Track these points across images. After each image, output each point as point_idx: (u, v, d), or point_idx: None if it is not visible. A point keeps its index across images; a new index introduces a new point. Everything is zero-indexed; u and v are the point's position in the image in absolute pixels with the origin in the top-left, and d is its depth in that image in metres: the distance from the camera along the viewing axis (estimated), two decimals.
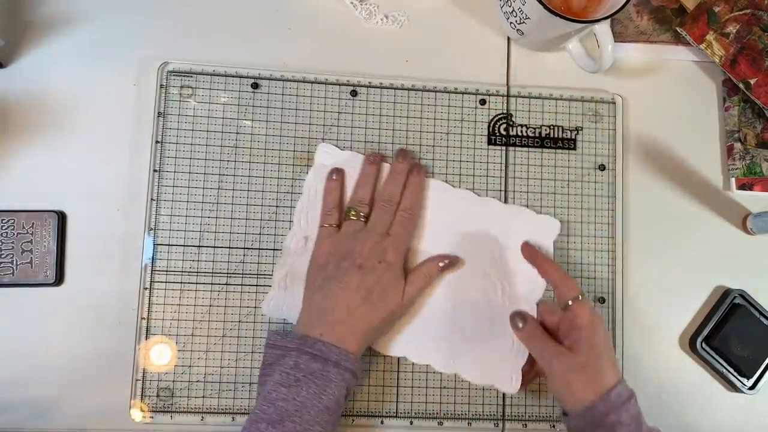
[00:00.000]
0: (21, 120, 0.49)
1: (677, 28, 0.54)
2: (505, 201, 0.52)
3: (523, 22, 0.49)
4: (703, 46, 0.53)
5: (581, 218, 0.52)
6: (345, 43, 0.53)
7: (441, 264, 0.48)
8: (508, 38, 0.54)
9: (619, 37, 0.55)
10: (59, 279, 0.48)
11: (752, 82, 0.52)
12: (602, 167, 0.53)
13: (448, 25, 0.54)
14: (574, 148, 0.53)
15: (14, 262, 0.48)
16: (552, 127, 0.53)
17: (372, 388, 0.49)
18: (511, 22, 0.51)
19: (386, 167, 0.50)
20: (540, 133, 0.53)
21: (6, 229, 0.48)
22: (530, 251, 0.49)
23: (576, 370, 0.42)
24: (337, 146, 0.51)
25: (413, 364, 0.49)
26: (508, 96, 0.53)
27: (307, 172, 0.50)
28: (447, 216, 0.50)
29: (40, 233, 0.48)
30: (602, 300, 0.51)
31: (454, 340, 0.49)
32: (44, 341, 0.48)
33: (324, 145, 0.50)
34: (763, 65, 0.52)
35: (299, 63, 0.52)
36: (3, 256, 0.48)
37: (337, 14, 0.53)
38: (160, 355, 0.48)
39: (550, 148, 0.53)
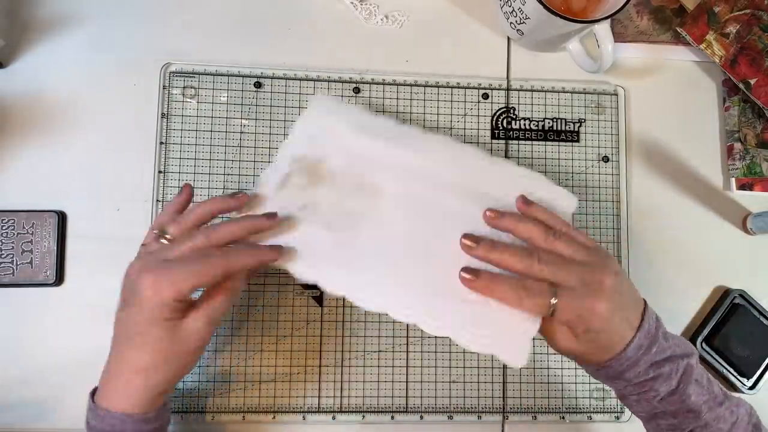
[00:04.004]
0: (21, 120, 0.49)
1: (677, 28, 0.54)
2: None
3: (523, 22, 0.49)
4: (703, 46, 0.53)
5: (586, 210, 0.52)
6: (345, 43, 0.53)
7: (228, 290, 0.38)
8: (508, 38, 0.54)
9: (619, 37, 0.55)
10: (59, 279, 0.48)
11: (752, 82, 0.52)
12: (606, 159, 0.53)
13: (448, 25, 0.54)
14: (578, 141, 0.53)
15: (14, 262, 0.48)
16: (555, 119, 0.53)
17: (382, 384, 0.49)
18: (511, 22, 0.51)
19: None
20: (543, 126, 0.53)
21: (6, 229, 0.48)
22: (527, 204, 0.41)
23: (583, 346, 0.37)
24: (327, 96, 0.47)
25: (422, 359, 0.49)
26: (509, 89, 0.53)
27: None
28: (456, 170, 0.44)
29: (40, 233, 0.48)
30: None
31: (445, 292, 0.40)
32: (44, 341, 0.48)
33: (317, 98, 0.47)
34: (763, 65, 0.52)
35: (299, 63, 0.52)
36: (3, 256, 0.48)
37: (337, 14, 0.53)
38: None
39: (553, 140, 0.53)
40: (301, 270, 0.40)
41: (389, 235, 0.42)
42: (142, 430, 0.36)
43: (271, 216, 0.40)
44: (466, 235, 0.39)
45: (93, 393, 0.38)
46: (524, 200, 0.41)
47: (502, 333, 0.39)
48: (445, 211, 0.43)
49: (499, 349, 0.39)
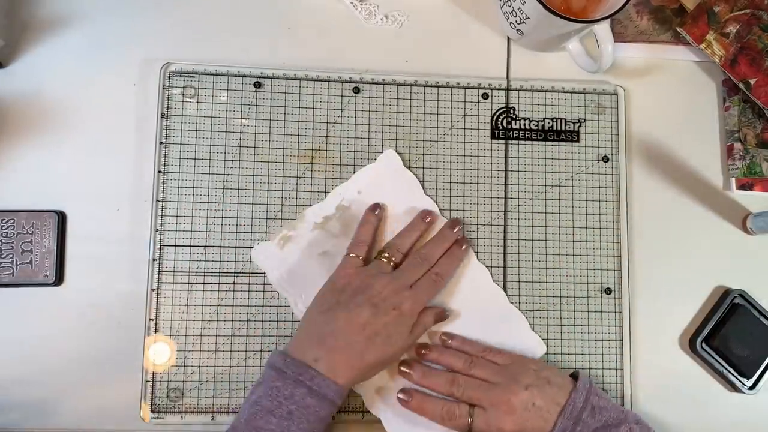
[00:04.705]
0: (21, 120, 0.49)
1: (677, 28, 0.54)
2: (506, 195, 0.52)
3: (523, 22, 0.49)
4: (703, 46, 0.53)
5: (586, 210, 0.52)
6: (345, 43, 0.53)
7: (435, 316, 0.48)
8: (508, 38, 0.54)
9: (619, 37, 0.55)
10: (59, 279, 0.48)
11: (752, 82, 0.52)
12: (606, 159, 0.53)
13: (448, 25, 0.54)
14: (578, 141, 0.53)
15: (14, 262, 0.48)
16: (555, 119, 0.53)
17: None
18: (511, 22, 0.51)
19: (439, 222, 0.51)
20: (543, 126, 0.53)
21: (6, 229, 0.48)
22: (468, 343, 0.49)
23: None
24: (398, 155, 0.51)
25: None
26: (509, 89, 0.53)
27: (311, 170, 0.50)
28: (461, 284, 0.50)
29: (40, 233, 0.48)
30: (609, 291, 0.51)
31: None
32: (44, 341, 0.48)
33: (391, 152, 0.51)
34: (763, 65, 0.52)
35: (299, 63, 0.52)
36: (3, 256, 0.48)
37: (336, 14, 0.53)
38: (168, 356, 0.48)
39: (553, 140, 0.53)
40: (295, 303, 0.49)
41: None
42: (336, 402, 0.42)
43: (456, 221, 0.50)
44: (403, 362, 0.47)
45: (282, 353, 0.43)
46: (446, 335, 0.49)
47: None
48: None
49: None
